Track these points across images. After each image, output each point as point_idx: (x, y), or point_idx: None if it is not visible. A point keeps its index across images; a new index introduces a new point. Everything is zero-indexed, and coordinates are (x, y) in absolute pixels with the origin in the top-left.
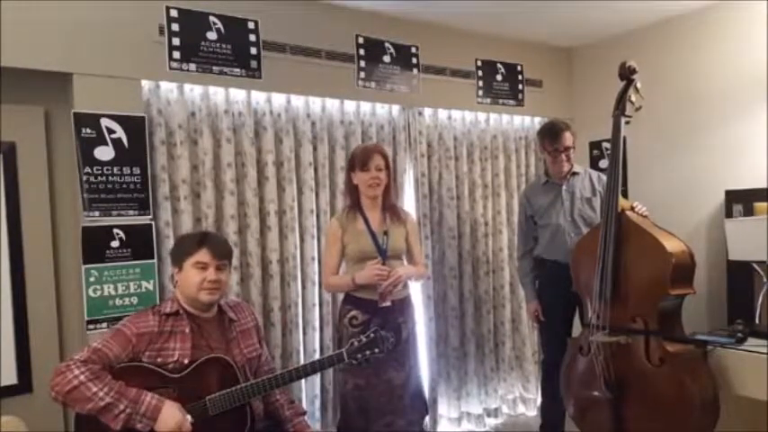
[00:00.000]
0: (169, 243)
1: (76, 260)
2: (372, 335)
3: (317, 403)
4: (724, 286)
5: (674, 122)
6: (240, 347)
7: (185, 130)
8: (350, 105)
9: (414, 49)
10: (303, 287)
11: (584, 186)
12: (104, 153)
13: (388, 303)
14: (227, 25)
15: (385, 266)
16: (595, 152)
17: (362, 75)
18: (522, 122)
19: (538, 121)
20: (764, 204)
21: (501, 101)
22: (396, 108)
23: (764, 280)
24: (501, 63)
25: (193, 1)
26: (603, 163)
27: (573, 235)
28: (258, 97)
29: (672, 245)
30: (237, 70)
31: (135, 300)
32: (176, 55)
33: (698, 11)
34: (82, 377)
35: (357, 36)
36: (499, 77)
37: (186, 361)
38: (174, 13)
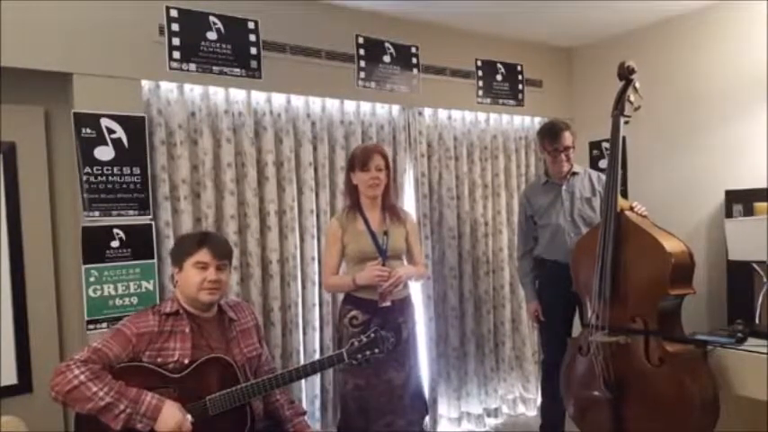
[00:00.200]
0: (169, 243)
1: (76, 260)
2: (372, 335)
3: (317, 403)
4: (724, 286)
5: (674, 122)
6: (240, 347)
7: (185, 130)
8: (350, 105)
9: (414, 49)
10: (303, 287)
11: (583, 186)
12: (104, 153)
13: (388, 303)
14: (227, 25)
15: (385, 267)
16: (595, 152)
17: (362, 75)
18: (522, 122)
19: (538, 121)
20: (764, 204)
21: (501, 101)
22: (396, 108)
23: (764, 280)
24: (501, 63)
25: (193, 1)
26: (603, 163)
27: (573, 235)
28: (258, 97)
29: (671, 245)
30: (237, 70)
31: (135, 300)
32: (176, 55)
33: (698, 11)
34: (82, 377)
35: (357, 36)
36: (499, 77)
37: (186, 361)
38: (174, 13)
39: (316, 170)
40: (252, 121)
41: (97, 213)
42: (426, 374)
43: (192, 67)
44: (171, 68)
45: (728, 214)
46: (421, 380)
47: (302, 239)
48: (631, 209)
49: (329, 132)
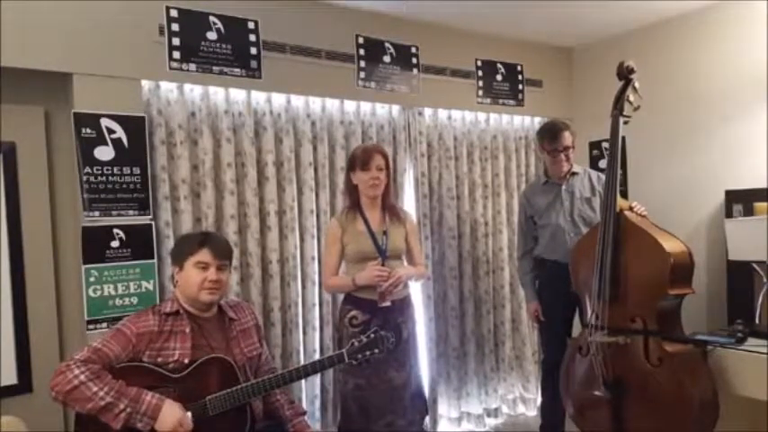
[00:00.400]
0: (169, 243)
1: (76, 260)
2: (372, 335)
3: (317, 403)
4: (724, 286)
5: (674, 122)
6: (240, 347)
7: (185, 130)
8: (350, 105)
9: (414, 49)
10: (303, 287)
11: (583, 186)
12: (104, 153)
13: (387, 303)
14: (227, 25)
15: (385, 267)
16: (595, 152)
17: (362, 75)
18: (522, 122)
19: (538, 121)
20: (764, 204)
21: (501, 101)
22: (396, 108)
23: (764, 280)
24: (501, 63)
25: (193, 1)
26: (603, 163)
27: (572, 235)
28: (258, 97)
29: (670, 245)
30: (237, 70)
31: (135, 300)
32: (176, 55)
33: (698, 11)
34: (82, 377)
35: (357, 36)
36: (499, 77)
37: (186, 361)
38: (174, 13)
39: (316, 170)
40: (252, 121)
41: (97, 213)
42: (426, 374)
43: (192, 67)
44: (171, 68)
45: (728, 214)
46: (421, 380)
47: (302, 239)
48: (631, 209)
49: (329, 132)
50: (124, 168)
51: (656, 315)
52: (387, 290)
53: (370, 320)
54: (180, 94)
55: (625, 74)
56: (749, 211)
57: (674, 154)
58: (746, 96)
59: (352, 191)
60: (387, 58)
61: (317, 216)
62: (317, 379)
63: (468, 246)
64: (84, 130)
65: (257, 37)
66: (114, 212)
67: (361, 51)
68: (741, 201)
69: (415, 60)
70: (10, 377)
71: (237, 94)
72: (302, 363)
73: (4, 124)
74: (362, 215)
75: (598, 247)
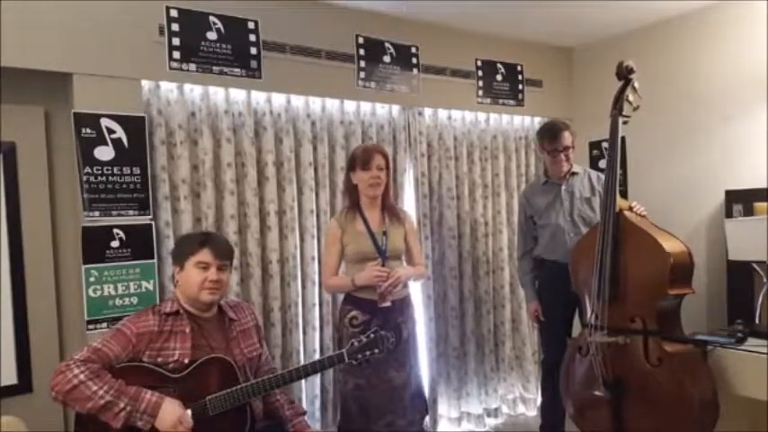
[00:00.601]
0: (169, 243)
1: (76, 260)
2: (372, 335)
3: (317, 403)
4: (724, 286)
5: (674, 122)
6: (240, 347)
7: (185, 130)
8: (350, 105)
9: (414, 49)
10: (303, 287)
11: (583, 186)
12: (104, 153)
13: (387, 304)
14: (227, 25)
15: (385, 267)
16: (595, 152)
17: (362, 75)
18: (522, 122)
19: (538, 121)
20: (764, 204)
21: (501, 101)
22: (396, 108)
23: (764, 280)
24: (501, 63)
25: (193, 1)
26: (603, 163)
27: (572, 235)
28: (258, 97)
29: (670, 245)
30: (237, 70)
31: (135, 300)
32: (176, 55)
33: (698, 11)
34: (82, 376)
35: (357, 36)
36: (499, 77)
37: (186, 361)
38: (174, 13)
39: (316, 170)
40: (252, 121)
41: (97, 213)
42: (426, 374)
43: (192, 67)
44: (171, 68)
45: (728, 214)
46: (421, 380)
47: (302, 239)
48: (630, 209)
49: (329, 132)
50: (124, 168)
51: (655, 315)
52: (386, 290)
53: (371, 320)
54: (180, 94)
55: (624, 74)
56: (749, 211)
57: (674, 154)
58: (746, 96)
59: (351, 191)
60: (387, 58)
61: (317, 216)
62: (317, 379)
63: (468, 246)
64: (84, 130)
65: (257, 37)
66: (114, 212)
67: (361, 51)
68: (741, 201)
69: (415, 60)
70: (10, 377)
71: (237, 94)
72: (302, 363)
73: (4, 124)
74: (362, 215)
75: (598, 247)
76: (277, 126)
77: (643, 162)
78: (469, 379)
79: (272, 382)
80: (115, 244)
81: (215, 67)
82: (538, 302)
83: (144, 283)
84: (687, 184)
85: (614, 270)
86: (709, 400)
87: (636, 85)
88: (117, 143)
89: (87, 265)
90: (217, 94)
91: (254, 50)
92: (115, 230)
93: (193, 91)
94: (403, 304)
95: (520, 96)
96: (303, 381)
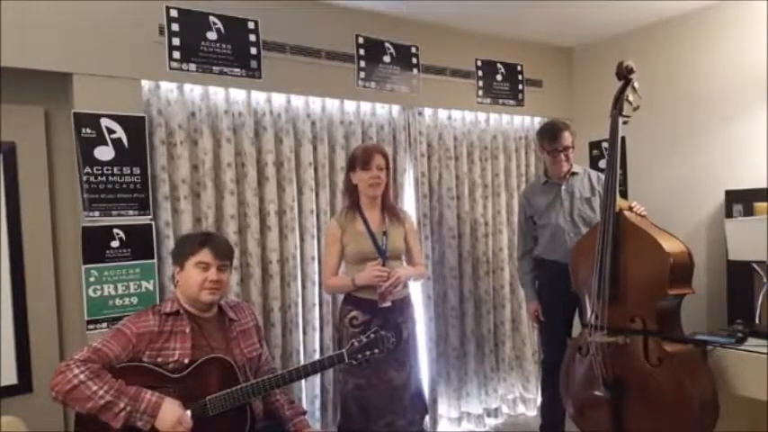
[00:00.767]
0: (169, 243)
1: (76, 260)
2: (372, 335)
3: (317, 403)
4: (724, 286)
5: (674, 122)
6: (240, 347)
7: (185, 130)
8: (350, 105)
9: (414, 49)
10: (303, 287)
11: (583, 186)
12: (104, 153)
13: (387, 304)
14: (227, 25)
15: (385, 268)
16: (595, 152)
17: (362, 75)
18: (522, 122)
19: (538, 121)
20: (764, 204)
21: (501, 101)
22: (396, 108)
23: (764, 280)
24: (501, 63)
25: (193, 1)
26: (603, 163)
27: (572, 235)
28: (258, 97)
29: (670, 245)
30: (237, 70)
31: (135, 300)
32: (176, 55)
33: (698, 11)
34: (82, 376)
35: (357, 36)
36: (499, 77)
37: (186, 361)
38: (174, 13)
39: (316, 170)
40: (252, 121)
41: (97, 213)
42: (426, 374)
43: (192, 67)
44: (171, 68)
45: (728, 214)
46: (421, 380)
47: (302, 239)
48: (630, 209)
49: (329, 132)
50: (124, 168)
51: (655, 315)
52: (387, 290)
53: (371, 321)
54: (180, 94)
55: (624, 74)
56: (749, 211)
57: (674, 154)
58: (746, 96)
59: (351, 191)
60: (387, 58)
61: (317, 216)
62: (317, 379)
63: (468, 246)
64: (84, 130)
65: (257, 37)
66: (114, 212)
67: (361, 51)
68: (741, 201)
69: (415, 60)
70: (10, 377)
71: (237, 94)
72: (302, 363)
73: (4, 124)
74: (362, 215)
75: (598, 247)
76: (277, 126)
77: (643, 162)
78: (469, 379)
79: (272, 382)
80: (115, 244)
81: (215, 67)
82: (538, 302)
83: (144, 283)
84: (687, 184)
85: (614, 270)
86: (709, 400)
87: (636, 85)
88: (117, 143)
89: (87, 265)
90: (217, 94)
91: (254, 50)
92: (115, 230)
93: (193, 91)
94: (403, 304)
95: (520, 96)
96: (303, 381)
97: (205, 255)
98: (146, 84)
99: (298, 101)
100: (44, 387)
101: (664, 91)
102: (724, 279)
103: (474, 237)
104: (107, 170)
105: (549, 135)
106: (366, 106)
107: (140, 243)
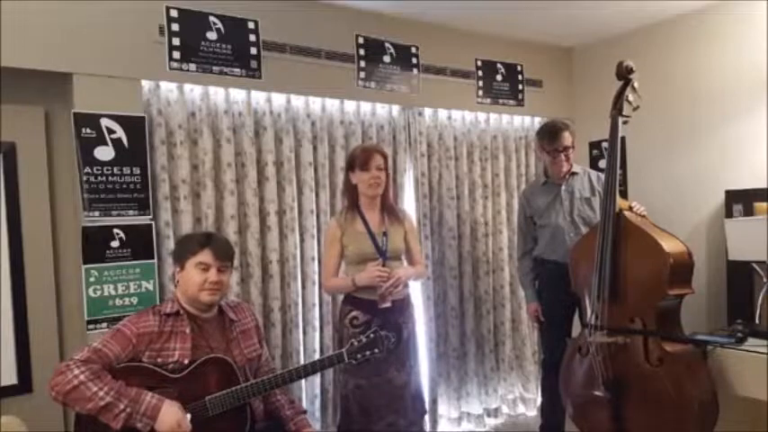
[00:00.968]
0: (169, 243)
1: (76, 260)
2: (372, 335)
3: (317, 403)
4: (724, 286)
5: (674, 122)
6: (240, 348)
7: (185, 130)
8: (350, 105)
9: (414, 49)
10: (303, 287)
11: (583, 186)
12: (104, 153)
13: (387, 304)
14: (227, 25)
15: (385, 268)
16: (595, 152)
17: (362, 75)
18: (522, 122)
19: (538, 121)
20: (764, 204)
21: (501, 101)
22: (396, 108)
23: (764, 280)
24: (501, 63)
25: (193, 1)
26: (603, 163)
27: (572, 235)
28: (258, 97)
29: (670, 245)
30: (237, 70)
31: (135, 300)
32: (176, 55)
33: (698, 11)
34: (82, 377)
35: (357, 36)
36: (499, 77)
37: (186, 361)
38: (173, 14)
39: (316, 170)
40: (252, 121)
41: (97, 213)
42: (426, 374)
43: (192, 67)
44: (171, 68)
45: (728, 214)
46: (420, 380)
47: (302, 239)
48: (630, 209)
49: (329, 132)
50: (124, 168)
51: (655, 315)
52: (387, 291)
53: (371, 321)
54: (180, 94)
55: (624, 74)
56: (749, 211)
57: (673, 154)
58: (746, 96)
59: (351, 191)
60: (387, 58)
61: (317, 216)
62: (317, 379)
63: (468, 246)
64: (84, 130)
65: (257, 37)
66: (114, 212)
67: (361, 51)
68: (741, 201)
69: (415, 60)
70: (10, 377)
71: (237, 94)
72: (302, 363)
73: (4, 124)
74: (362, 216)
75: (598, 247)
76: (277, 126)
77: (643, 162)
78: (469, 379)
79: (272, 382)
80: (115, 244)
81: (215, 67)
82: (538, 302)
83: (144, 283)
84: (687, 184)
85: (614, 270)
86: (708, 400)
87: (636, 85)
88: (117, 143)
89: (87, 265)
90: (217, 94)
91: (254, 50)
92: (115, 230)
93: (193, 91)
94: (403, 304)
95: (520, 96)
96: (303, 381)
97: (205, 255)
98: (146, 84)
99: (298, 101)
100: (44, 387)
101: (664, 91)
102: (724, 279)
103: (474, 237)
104: (107, 170)
105: (549, 135)
106: (366, 106)
107: (140, 243)
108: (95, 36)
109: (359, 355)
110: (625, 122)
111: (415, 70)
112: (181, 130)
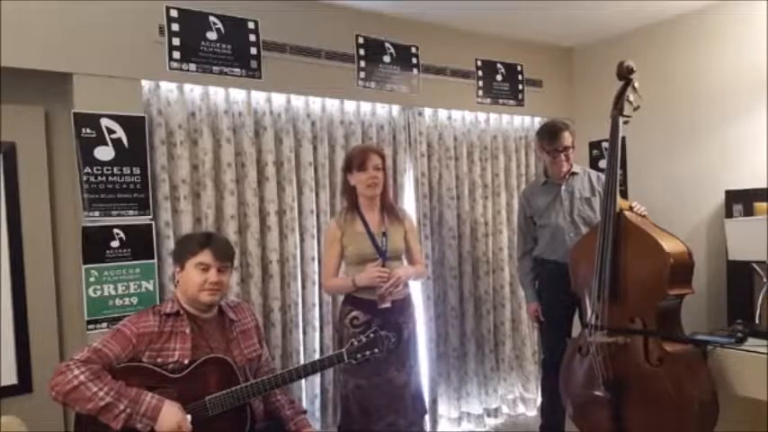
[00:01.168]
0: (169, 243)
1: (76, 260)
2: (372, 335)
3: (317, 403)
4: (724, 286)
5: (674, 122)
6: (240, 348)
7: (185, 130)
8: (350, 105)
9: (414, 49)
10: (303, 287)
11: (583, 186)
12: (104, 153)
13: (387, 304)
14: (227, 25)
15: (385, 268)
16: (595, 152)
17: (362, 75)
18: (522, 122)
19: (538, 121)
20: (764, 204)
21: (501, 101)
22: (396, 108)
23: (764, 280)
24: (501, 63)
25: (193, 1)
26: (603, 163)
27: (572, 235)
28: (258, 97)
29: (670, 245)
30: (237, 70)
31: (135, 300)
32: (176, 55)
33: (698, 11)
34: (82, 377)
35: (357, 36)
36: (499, 77)
37: (186, 361)
38: (173, 14)
39: (316, 170)
40: (252, 121)
41: (97, 213)
42: (426, 374)
43: (192, 67)
44: (171, 68)
45: (728, 214)
46: (420, 380)
47: (302, 239)
48: (631, 209)
49: (329, 132)
50: (124, 168)
51: (655, 315)
52: (387, 291)
53: (371, 321)
54: (180, 94)
55: (625, 74)
56: (749, 211)
57: (673, 154)
58: (746, 96)
59: (349, 192)
60: (387, 58)
61: (317, 216)
62: (317, 379)
63: (468, 246)
64: (84, 130)
65: (257, 37)
66: (114, 212)
67: (361, 51)
68: (741, 201)
69: (415, 60)
70: (10, 377)
71: (237, 94)
72: (302, 363)
73: (4, 124)
74: (361, 216)
75: (598, 247)
76: (277, 126)
77: (643, 162)
78: (469, 379)
79: (272, 382)
80: (115, 244)
81: (215, 67)
82: (538, 302)
83: (144, 283)
84: (687, 184)
85: (614, 270)
86: (709, 400)
87: (636, 85)
88: (117, 143)
89: (87, 265)
90: (217, 94)
91: (254, 50)
92: (115, 230)
93: (193, 91)
94: (403, 304)
95: (520, 96)
96: (303, 381)
97: (205, 256)
98: (146, 84)
99: (298, 101)
100: (44, 387)
101: (664, 91)
102: (724, 279)
103: (474, 237)
104: (107, 170)
105: (549, 135)
106: (366, 106)
107: (140, 243)
108: (95, 36)
109: (359, 355)
110: (626, 122)
111: (414, 70)
112: (181, 130)
